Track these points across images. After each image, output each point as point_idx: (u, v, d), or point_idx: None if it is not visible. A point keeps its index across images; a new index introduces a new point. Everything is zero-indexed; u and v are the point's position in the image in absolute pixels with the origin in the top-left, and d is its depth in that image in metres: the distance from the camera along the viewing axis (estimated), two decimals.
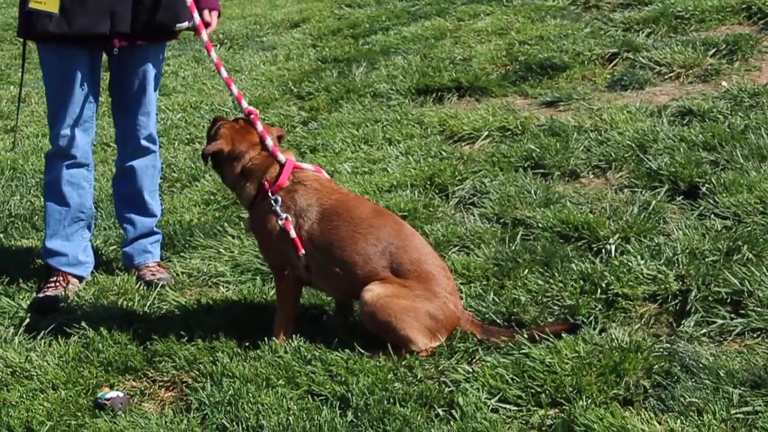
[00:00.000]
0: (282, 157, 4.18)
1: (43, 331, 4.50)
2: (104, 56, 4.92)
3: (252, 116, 4.24)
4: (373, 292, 3.96)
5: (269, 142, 4.20)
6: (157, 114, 5.19)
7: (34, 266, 5.27)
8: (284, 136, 4.44)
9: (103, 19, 4.66)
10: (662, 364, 3.67)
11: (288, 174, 4.15)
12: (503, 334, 3.99)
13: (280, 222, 4.09)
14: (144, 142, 5.02)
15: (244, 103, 4.35)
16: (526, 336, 3.91)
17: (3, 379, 4.14)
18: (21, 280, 5.08)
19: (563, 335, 3.88)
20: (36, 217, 5.95)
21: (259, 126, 4.22)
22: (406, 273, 4.01)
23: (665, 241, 4.58)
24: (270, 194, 4.11)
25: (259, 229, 4.22)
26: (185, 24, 4.86)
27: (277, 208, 4.10)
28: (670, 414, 3.40)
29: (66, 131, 4.86)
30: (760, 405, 3.36)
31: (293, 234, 4.08)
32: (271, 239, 4.15)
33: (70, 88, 4.80)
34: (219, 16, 4.98)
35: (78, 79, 4.79)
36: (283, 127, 7.27)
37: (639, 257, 4.43)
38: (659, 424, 3.34)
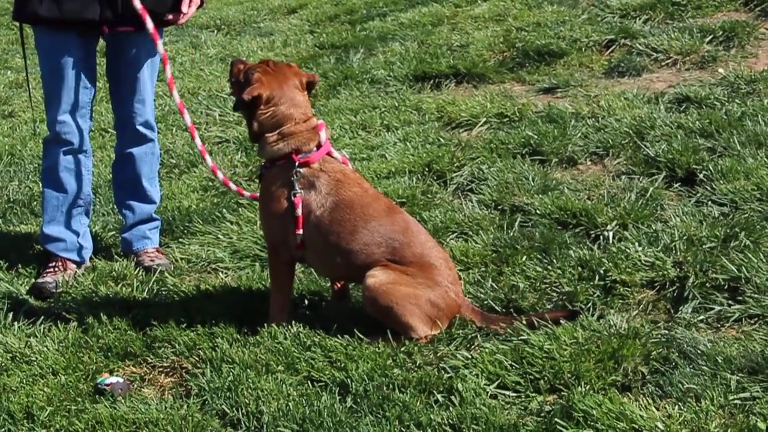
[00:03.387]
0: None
1: (42, 317, 4.50)
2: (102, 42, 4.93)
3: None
4: (375, 278, 3.98)
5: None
6: (155, 100, 5.19)
7: (33, 252, 5.27)
8: (316, 82, 4.36)
9: (92, 4, 4.65)
10: (660, 350, 3.69)
11: (320, 156, 4.14)
12: (502, 321, 4.01)
13: (292, 196, 4.09)
14: (141, 129, 5.02)
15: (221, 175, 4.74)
16: (525, 322, 3.93)
17: (3, 365, 4.14)
18: (20, 266, 5.08)
19: (562, 322, 3.90)
20: (35, 203, 5.95)
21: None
22: (408, 265, 4.03)
23: (663, 227, 4.60)
24: (297, 166, 4.09)
25: (268, 192, 4.20)
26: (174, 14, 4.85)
27: (296, 183, 4.10)
28: (668, 400, 3.42)
29: (62, 117, 4.85)
30: (757, 391, 3.38)
31: (299, 212, 4.09)
32: (276, 207, 4.15)
33: (63, 73, 4.80)
34: (201, 5, 4.91)
35: (71, 64, 4.78)
36: None
37: (637, 244, 4.45)
38: (657, 410, 3.36)
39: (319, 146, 4.15)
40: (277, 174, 4.15)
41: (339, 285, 4.41)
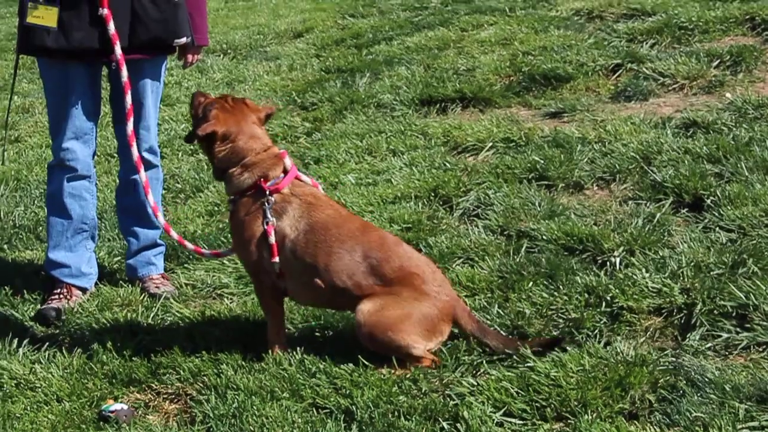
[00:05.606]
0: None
1: (47, 343, 4.50)
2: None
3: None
4: (363, 312, 3.97)
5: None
6: (159, 125, 5.19)
7: (39, 278, 5.26)
8: (274, 113, 4.43)
9: (100, 33, 4.66)
10: (667, 378, 3.67)
11: (289, 182, 4.15)
12: (497, 339, 4.00)
13: (264, 224, 4.09)
14: (145, 155, 5.00)
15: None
16: (518, 346, 3.92)
17: (8, 391, 4.13)
18: (25, 292, 5.08)
19: (568, 348, 3.88)
20: (40, 228, 5.95)
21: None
22: (390, 281, 4.02)
23: (670, 253, 4.58)
24: (267, 194, 4.10)
25: (240, 223, 4.19)
26: (183, 39, 4.86)
27: (268, 210, 4.10)
28: (675, 429, 3.39)
29: (66, 144, 4.86)
30: (766, 420, 3.35)
31: (273, 240, 4.08)
32: (249, 236, 4.14)
33: (69, 102, 4.81)
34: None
35: (77, 93, 4.80)
36: (286, 137, 7.30)
37: (644, 270, 4.43)
38: None
39: (285, 172, 4.16)
40: (247, 203, 4.16)
41: None
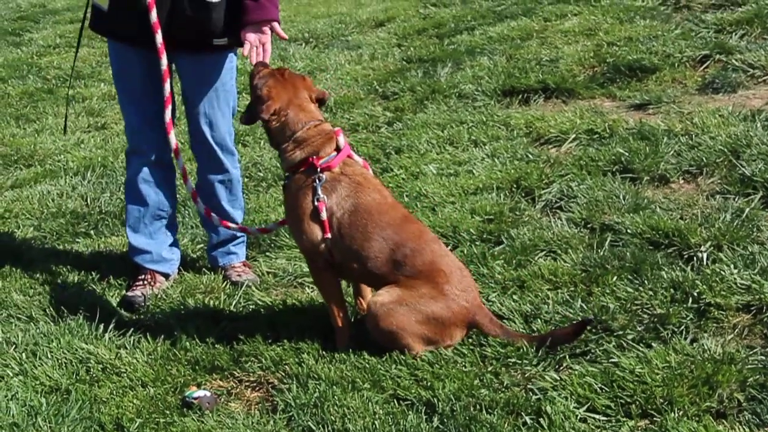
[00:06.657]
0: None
1: (132, 329, 4.56)
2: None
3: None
4: (376, 301, 4.04)
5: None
6: (238, 113, 5.15)
7: (124, 263, 5.33)
8: (327, 99, 4.43)
9: (140, 21, 4.58)
10: (757, 377, 3.58)
11: (341, 160, 4.18)
12: (523, 337, 4.00)
13: (315, 201, 4.12)
14: (215, 149, 4.98)
15: None
16: (540, 341, 3.93)
17: (94, 376, 4.21)
18: (111, 277, 5.16)
19: (653, 345, 3.81)
20: (125, 214, 6.03)
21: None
22: (416, 274, 4.04)
23: (760, 249, 4.47)
24: (319, 172, 4.13)
25: (292, 199, 4.22)
26: (224, 40, 4.73)
27: (319, 187, 4.12)
28: (765, 429, 3.32)
29: (134, 129, 4.92)
30: None
31: (324, 216, 4.11)
32: (301, 213, 4.17)
33: (129, 86, 4.86)
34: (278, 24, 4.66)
35: (137, 79, 4.82)
36: (367, 126, 7.30)
37: (732, 266, 4.33)
38: None
39: (338, 150, 4.19)
40: (299, 180, 4.20)
41: (362, 308, 4.42)
